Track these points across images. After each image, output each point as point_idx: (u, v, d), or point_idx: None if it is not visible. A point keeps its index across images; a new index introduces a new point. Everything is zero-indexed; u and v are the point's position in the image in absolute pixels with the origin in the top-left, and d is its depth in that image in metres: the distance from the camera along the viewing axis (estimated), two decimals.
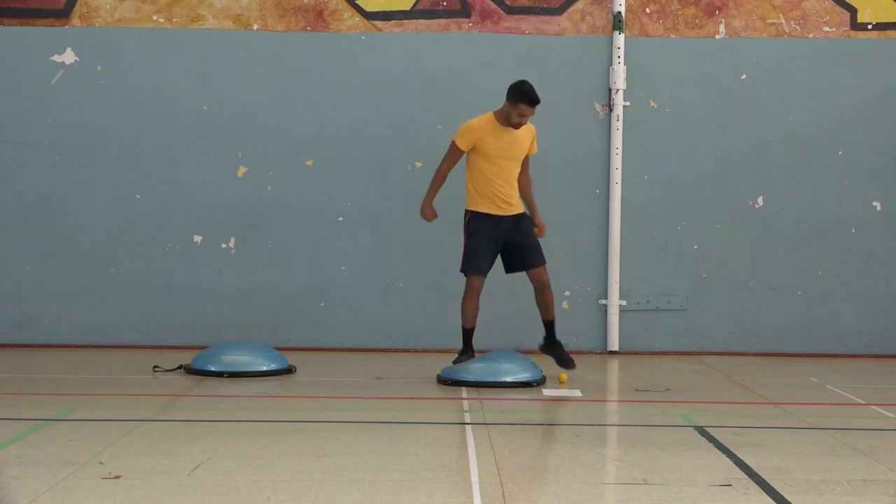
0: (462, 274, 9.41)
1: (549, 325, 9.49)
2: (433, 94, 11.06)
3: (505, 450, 6.82)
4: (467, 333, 9.40)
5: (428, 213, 9.46)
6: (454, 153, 9.37)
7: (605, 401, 8.94)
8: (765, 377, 9.85)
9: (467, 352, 9.38)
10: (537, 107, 9.19)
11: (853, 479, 6.23)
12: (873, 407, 8.60)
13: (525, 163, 9.52)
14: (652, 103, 11.11)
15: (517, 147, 9.34)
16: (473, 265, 9.31)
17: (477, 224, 9.31)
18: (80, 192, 10.96)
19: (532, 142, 9.45)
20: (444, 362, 9.52)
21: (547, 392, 8.90)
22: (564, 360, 9.39)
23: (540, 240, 9.49)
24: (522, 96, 9.13)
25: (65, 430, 7.18)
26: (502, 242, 9.36)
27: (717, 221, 11.16)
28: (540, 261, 9.39)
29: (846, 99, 11.14)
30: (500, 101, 11.21)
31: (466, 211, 9.39)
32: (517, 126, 9.23)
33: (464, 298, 9.35)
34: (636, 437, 7.33)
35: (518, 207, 9.42)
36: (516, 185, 9.41)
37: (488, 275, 9.40)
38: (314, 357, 10.57)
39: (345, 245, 11.06)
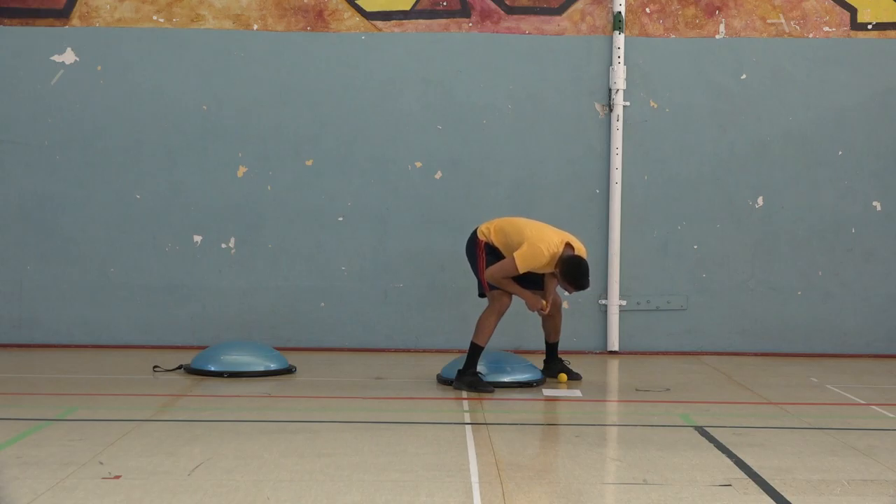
0: (481, 297, 9.07)
1: (553, 347, 9.39)
2: (433, 94, 11.06)
3: (505, 450, 6.81)
4: (479, 352, 8.83)
5: (538, 301, 8.92)
6: (512, 271, 8.77)
7: (605, 401, 8.94)
8: (765, 377, 9.84)
9: (476, 373, 8.81)
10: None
11: (853, 479, 6.22)
12: (873, 407, 8.60)
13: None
14: (652, 103, 11.10)
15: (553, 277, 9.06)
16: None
17: (493, 248, 8.98)
18: (80, 192, 10.96)
19: None
20: (444, 362, 9.50)
21: (547, 392, 8.89)
22: (572, 374, 9.35)
23: None
24: (573, 282, 8.73)
25: (65, 430, 7.17)
26: None
27: (717, 221, 11.16)
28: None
29: (846, 99, 11.14)
30: (500, 101, 11.22)
31: (480, 240, 9.02)
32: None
33: (488, 315, 8.80)
34: (636, 437, 7.33)
35: None
36: None
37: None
38: (314, 357, 10.56)
39: (345, 245, 11.06)
